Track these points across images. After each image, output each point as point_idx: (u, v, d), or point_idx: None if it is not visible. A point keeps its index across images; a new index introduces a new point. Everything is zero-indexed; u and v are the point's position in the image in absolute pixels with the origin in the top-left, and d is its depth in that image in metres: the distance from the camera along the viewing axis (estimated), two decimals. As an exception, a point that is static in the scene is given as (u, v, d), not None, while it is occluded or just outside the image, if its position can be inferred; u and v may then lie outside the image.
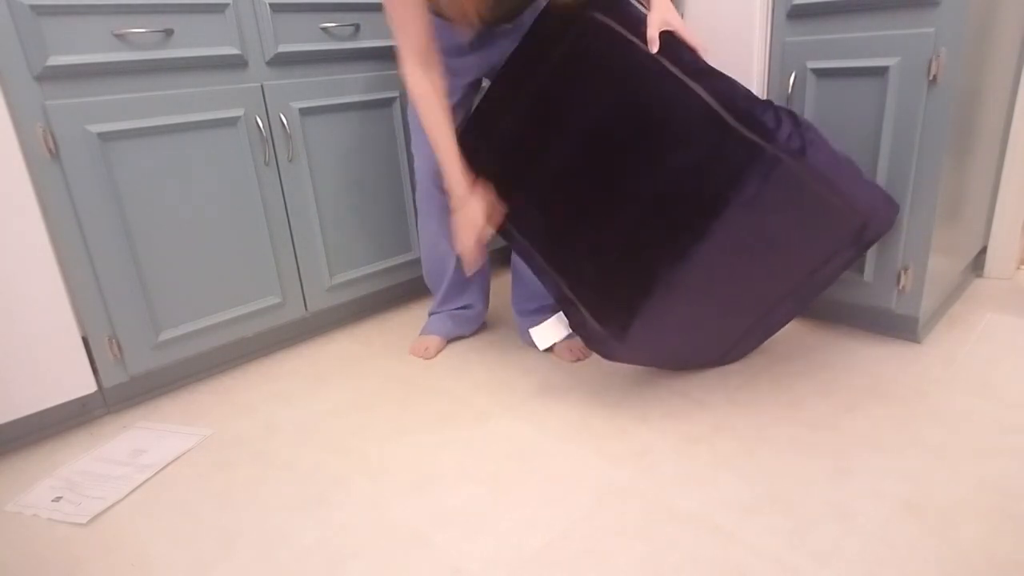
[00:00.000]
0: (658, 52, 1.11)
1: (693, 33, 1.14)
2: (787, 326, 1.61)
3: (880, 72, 1.30)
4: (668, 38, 1.12)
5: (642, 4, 1.20)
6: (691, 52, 1.12)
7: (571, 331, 1.30)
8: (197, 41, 1.34)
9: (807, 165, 1.03)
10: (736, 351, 1.41)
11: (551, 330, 1.34)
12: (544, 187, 1.25)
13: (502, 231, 1.34)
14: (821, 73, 1.38)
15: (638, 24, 1.15)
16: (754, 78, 1.45)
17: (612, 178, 1.15)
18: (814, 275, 1.27)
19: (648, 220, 1.11)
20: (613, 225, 1.15)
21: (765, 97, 1.48)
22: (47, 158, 1.20)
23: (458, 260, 1.57)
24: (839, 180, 1.10)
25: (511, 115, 1.31)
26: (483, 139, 1.35)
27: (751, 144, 1.01)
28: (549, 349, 1.57)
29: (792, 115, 1.04)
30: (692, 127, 1.06)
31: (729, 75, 1.08)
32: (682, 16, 1.51)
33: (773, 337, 1.56)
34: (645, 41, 1.13)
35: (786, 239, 1.13)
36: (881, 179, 1.36)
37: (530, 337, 1.60)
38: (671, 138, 1.08)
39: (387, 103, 1.69)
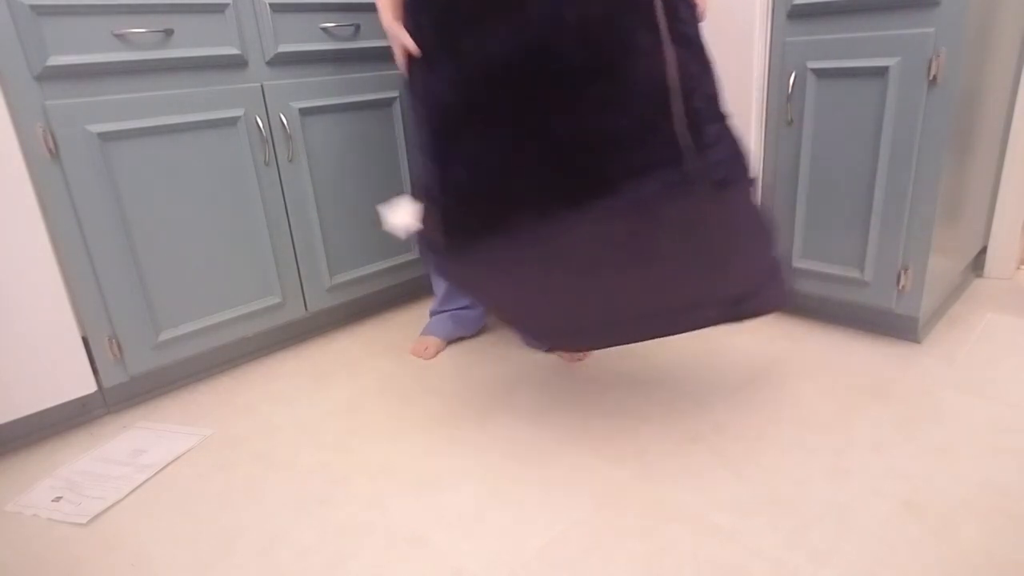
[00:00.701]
0: None
1: None
2: (786, 326, 1.61)
3: (880, 72, 1.30)
4: None
5: None
6: (692, 9, 1.01)
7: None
8: (197, 41, 1.34)
9: (716, 203, 0.95)
10: (575, 341, 1.32)
11: (403, 212, 1.22)
12: (468, 67, 1.10)
13: (411, 73, 1.18)
14: (821, 73, 1.38)
15: None
16: (754, 78, 1.45)
17: (533, 101, 1.03)
18: (675, 313, 1.18)
19: (541, 161, 1.01)
20: (507, 148, 1.05)
21: (765, 98, 1.48)
22: (47, 158, 1.20)
23: None
24: (742, 240, 1.02)
25: None
26: None
27: (675, 149, 0.93)
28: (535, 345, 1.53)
29: (736, 146, 0.97)
30: (637, 94, 0.96)
31: (711, 62, 1.00)
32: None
33: (772, 336, 1.56)
34: None
35: (658, 260, 1.04)
36: (881, 179, 1.36)
37: (529, 339, 1.58)
38: (613, 96, 0.97)
39: (387, 103, 1.69)
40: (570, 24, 1.01)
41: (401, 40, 1.16)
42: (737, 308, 1.17)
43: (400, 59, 1.19)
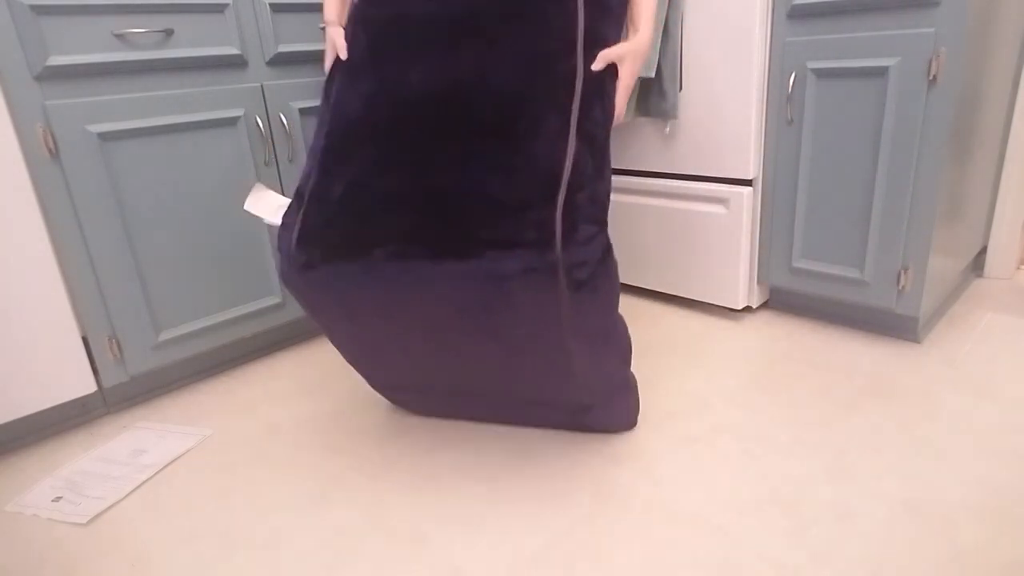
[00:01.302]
0: (584, 83, 0.99)
1: (625, 96, 1.06)
2: (786, 326, 1.61)
3: (880, 72, 1.30)
4: (604, 81, 1.01)
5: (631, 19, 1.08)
6: (606, 115, 1.01)
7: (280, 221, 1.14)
8: (197, 41, 1.34)
9: (571, 302, 0.93)
10: (412, 400, 1.30)
11: (270, 203, 1.19)
12: (386, 91, 1.08)
13: (331, 78, 1.17)
14: (821, 73, 1.38)
15: (605, 15, 1.02)
16: (754, 78, 1.45)
17: (432, 142, 1.02)
18: (513, 403, 1.18)
19: (417, 205, 0.99)
20: (392, 182, 1.02)
21: (765, 98, 1.48)
22: (47, 158, 1.20)
23: None
24: (590, 348, 1.00)
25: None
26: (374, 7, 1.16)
27: (546, 236, 0.91)
28: None
29: (607, 256, 0.97)
30: (529, 171, 0.96)
31: (608, 172, 1.01)
32: (681, 17, 1.51)
33: (772, 336, 1.56)
34: (594, 47, 1.01)
35: (498, 341, 1.01)
36: (881, 179, 1.36)
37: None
38: (504, 164, 0.97)
39: (387, 103, 1.69)
40: (490, 86, 1.02)
41: (335, 41, 1.16)
42: (580, 418, 1.19)
43: (328, 60, 1.18)
